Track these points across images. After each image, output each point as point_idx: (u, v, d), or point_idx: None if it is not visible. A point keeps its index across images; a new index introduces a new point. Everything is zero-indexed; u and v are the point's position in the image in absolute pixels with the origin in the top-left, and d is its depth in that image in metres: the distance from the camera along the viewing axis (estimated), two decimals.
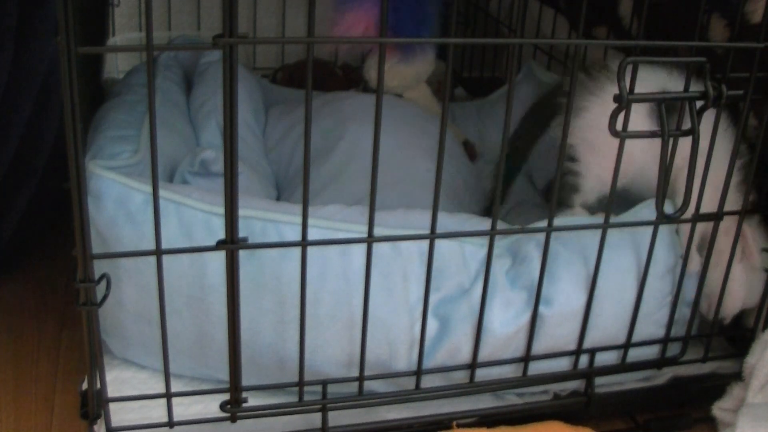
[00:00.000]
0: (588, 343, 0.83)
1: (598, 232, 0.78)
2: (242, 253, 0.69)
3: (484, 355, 0.80)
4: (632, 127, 0.72)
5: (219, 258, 0.73)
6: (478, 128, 1.41)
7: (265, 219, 0.77)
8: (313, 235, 0.73)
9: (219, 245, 0.66)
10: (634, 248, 0.82)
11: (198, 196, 0.78)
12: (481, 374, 0.82)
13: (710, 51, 0.89)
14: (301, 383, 0.75)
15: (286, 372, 0.79)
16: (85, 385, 0.74)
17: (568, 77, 0.93)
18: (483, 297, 0.76)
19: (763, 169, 0.83)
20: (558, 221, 0.78)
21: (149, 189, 0.74)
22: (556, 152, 0.74)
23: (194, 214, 0.77)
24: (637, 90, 0.70)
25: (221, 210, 0.74)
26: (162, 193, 0.77)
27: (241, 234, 0.67)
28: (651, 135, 0.72)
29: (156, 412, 0.78)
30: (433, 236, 0.72)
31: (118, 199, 0.77)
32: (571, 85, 0.70)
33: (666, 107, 0.71)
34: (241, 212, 0.74)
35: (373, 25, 1.18)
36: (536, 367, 0.83)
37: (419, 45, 1.28)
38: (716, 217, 0.82)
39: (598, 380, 0.85)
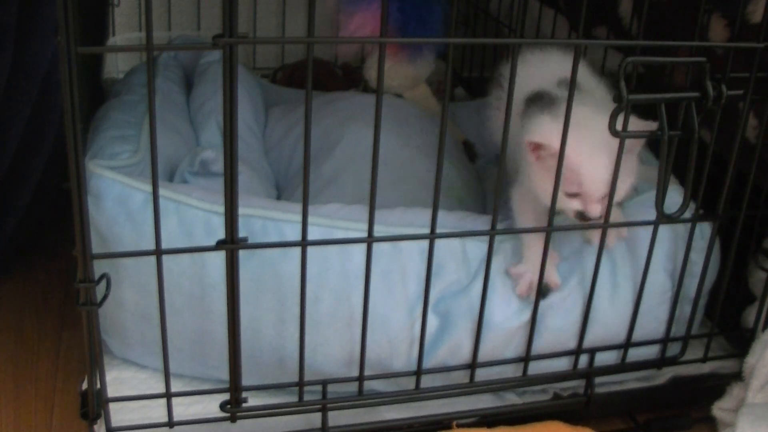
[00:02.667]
0: (587, 342, 0.83)
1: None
2: (242, 252, 0.69)
3: (484, 352, 0.80)
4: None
5: (219, 257, 0.73)
6: (478, 128, 1.41)
7: (266, 217, 0.78)
8: (313, 233, 0.73)
9: (219, 245, 0.66)
10: (630, 244, 0.83)
11: (198, 195, 0.78)
12: (481, 374, 0.82)
13: (710, 51, 0.89)
14: (301, 383, 0.75)
15: (287, 371, 0.79)
16: (85, 385, 0.74)
17: None
18: (483, 297, 0.76)
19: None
20: (558, 221, 0.78)
21: (149, 188, 0.74)
22: None
23: (195, 214, 0.77)
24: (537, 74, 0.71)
25: (221, 209, 0.74)
26: (162, 192, 0.77)
27: (242, 232, 0.67)
28: (651, 135, 0.72)
29: (156, 412, 0.78)
30: (433, 236, 0.72)
31: (118, 198, 0.77)
32: (571, 84, 0.70)
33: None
34: (242, 211, 0.74)
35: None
36: (536, 367, 0.83)
37: (425, 45, 1.28)
38: (716, 216, 0.82)
39: (598, 380, 0.85)
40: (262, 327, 0.77)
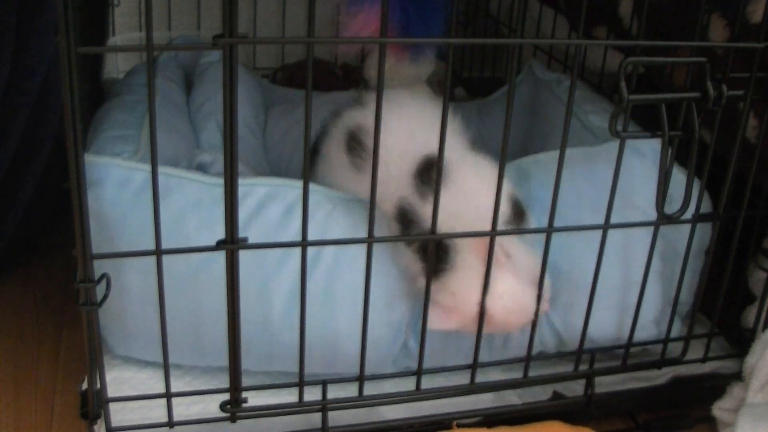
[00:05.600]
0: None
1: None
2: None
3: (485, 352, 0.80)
4: None
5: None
6: (478, 128, 1.41)
7: (270, 185, 0.80)
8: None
9: (219, 245, 0.66)
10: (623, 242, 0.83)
11: (201, 174, 0.80)
12: (482, 374, 0.82)
13: (710, 51, 0.89)
14: (301, 383, 0.75)
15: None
16: (85, 385, 0.74)
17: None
18: (483, 297, 0.76)
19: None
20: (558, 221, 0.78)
21: (149, 167, 0.74)
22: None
23: (199, 186, 0.78)
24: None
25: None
26: (165, 170, 0.78)
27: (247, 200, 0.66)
28: (651, 135, 0.72)
29: (156, 412, 0.78)
30: (433, 236, 0.72)
31: (119, 180, 0.77)
32: (571, 85, 0.70)
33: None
34: (246, 181, 0.79)
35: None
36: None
37: (428, 44, 1.28)
38: (716, 217, 0.82)
39: (598, 380, 0.85)
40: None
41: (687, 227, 0.81)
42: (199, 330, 0.79)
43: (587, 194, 0.84)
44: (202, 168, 0.92)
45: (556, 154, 0.73)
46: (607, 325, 0.84)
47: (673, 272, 0.85)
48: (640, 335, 0.85)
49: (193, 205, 0.77)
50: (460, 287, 0.73)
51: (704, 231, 0.86)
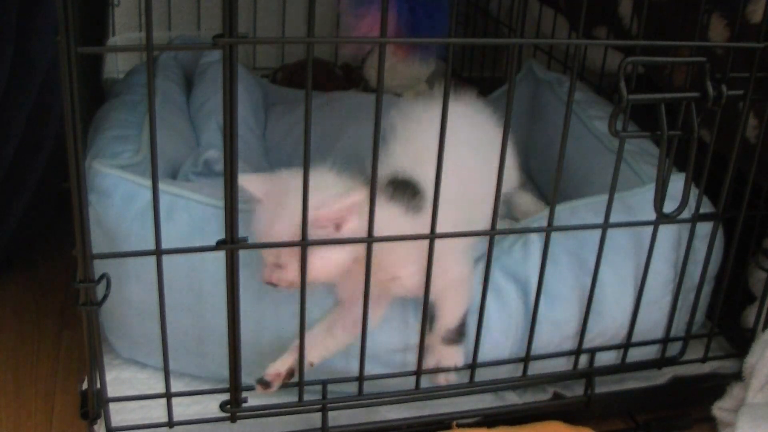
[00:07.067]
0: (591, 337, 0.83)
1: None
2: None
3: (484, 351, 0.80)
4: None
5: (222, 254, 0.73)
6: None
7: None
8: None
9: (219, 245, 0.66)
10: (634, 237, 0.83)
11: (208, 191, 0.79)
12: (482, 374, 0.82)
13: (710, 51, 0.89)
14: (301, 383, 0.75)
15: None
16: (85, 385, 0.74)
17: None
18: (483, 297, 0.76)
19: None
20: (558, 221, 0.78)
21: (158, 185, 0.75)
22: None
23: (205, 210, 0.77)
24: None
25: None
26: (172, 189, 0.78)
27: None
28: (651, 135, 0.72)
29: (156, 412, 0.78)
30: (432, 236, 0.72)
31: (126, 195, 0.77)
32: (571, 85, 0.70)
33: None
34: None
35: (392, 27, 1.18)
36: (536, 367, 0.83)
37: (434, 44, 1.29)
38: (716, 216, 0.82)
39: (598, 380, 0.85)
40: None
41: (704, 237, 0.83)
42: (204, 346, 0.79)
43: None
44: (208, 164, 0.92)
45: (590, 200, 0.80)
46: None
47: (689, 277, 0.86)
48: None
49: (199, 227, 0.77)
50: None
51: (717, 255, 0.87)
